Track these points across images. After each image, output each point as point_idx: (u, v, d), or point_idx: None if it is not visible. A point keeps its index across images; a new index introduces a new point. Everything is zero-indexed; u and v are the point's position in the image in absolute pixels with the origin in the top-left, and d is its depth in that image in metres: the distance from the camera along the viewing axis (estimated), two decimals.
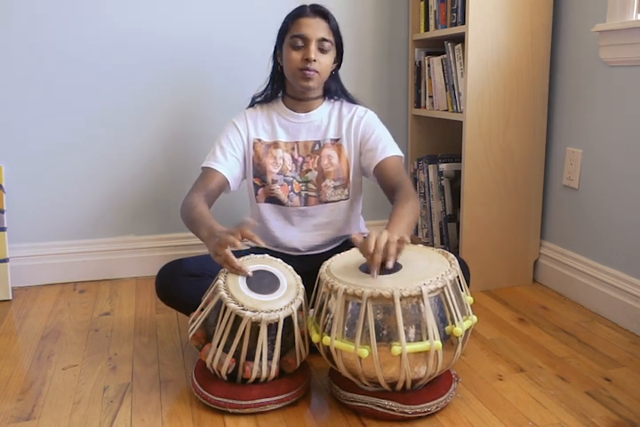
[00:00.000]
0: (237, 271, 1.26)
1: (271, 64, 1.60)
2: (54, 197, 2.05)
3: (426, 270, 1.19)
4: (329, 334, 1.18)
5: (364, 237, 1.21)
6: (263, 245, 1.28)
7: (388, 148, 1.55)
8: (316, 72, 1.49)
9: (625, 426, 1.20)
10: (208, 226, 1.31)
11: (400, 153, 1.57)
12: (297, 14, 1.50)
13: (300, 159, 1.58)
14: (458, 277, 1.22)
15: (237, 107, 1.67)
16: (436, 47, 2.09)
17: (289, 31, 1.50)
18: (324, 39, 1.48)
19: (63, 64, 1.96)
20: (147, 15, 1.99)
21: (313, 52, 1.47)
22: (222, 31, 2.06)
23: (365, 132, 1.58)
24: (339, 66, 1.59)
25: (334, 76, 1.59)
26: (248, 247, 1.62)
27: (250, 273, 1.27)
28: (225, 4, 2.04)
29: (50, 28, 1.92)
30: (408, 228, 1.33)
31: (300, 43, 1.47)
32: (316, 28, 1.47)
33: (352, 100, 1.63)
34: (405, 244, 1.20)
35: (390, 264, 1.16)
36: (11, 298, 1.94)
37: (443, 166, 2.03)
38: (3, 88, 1.94)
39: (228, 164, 1.53)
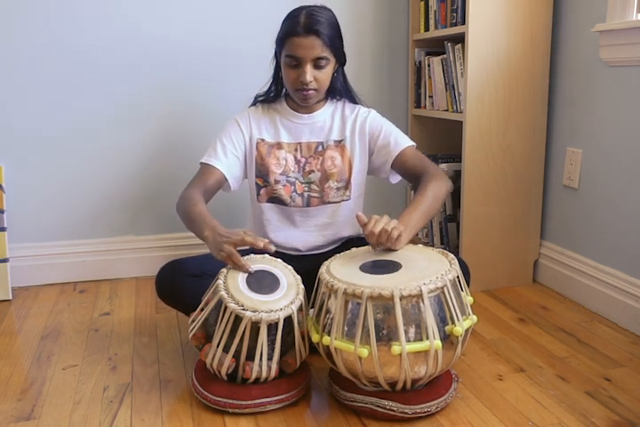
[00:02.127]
0: (240, 268, 1.26)
1: (273, 64, 1.59)
2: (54, 197, 2.05)
3: (426, 270, 1.19)
4: (329, 334, 1.18)
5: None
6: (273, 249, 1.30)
7: (400, 140, 1.56)
8: (314, 90, 1.48)
9: (625, 426, 1.20)
10: (211, 226, 1.31)
11: (412, 143, 1.57)
12: (290, 32, 1.43)
13: (303, 160, 1.57)
14: (458, 276, 1.22)
15: (238, 106, 1.68)
16: (436, 47, 2.09)
17: (284, 48, 1.46)
18: (319, 57, 1.44)
19: (64, 65, 1.96)
20: (147, 15, 1.99)
21: (308, 74, 1.44)
22: (221, 31, 2.05)
23: (373, 130, 1.57)
24: (343, 64, 1.56)
25: (337, 75, 1.56)
26: (247, 247, 1.62)
27: (252, 270, 1.27)
28: (225, 4, 2.04)
29: (51, 28, 1.92)
30: (424, 213, 1.38)
31: (294, 62, 1.45)
32: (309, 49, 1.42)
33: (354, 100, 1.62)
34: (406, 239, 1.27)
35: (380, 247, 1.23)
36: (11, 298, 1.94)
37: (443, 166, 2.03)
38: (3, 88, 1.94)
39: (228, 162, 1.53)
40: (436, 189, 1.43)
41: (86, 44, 1.96)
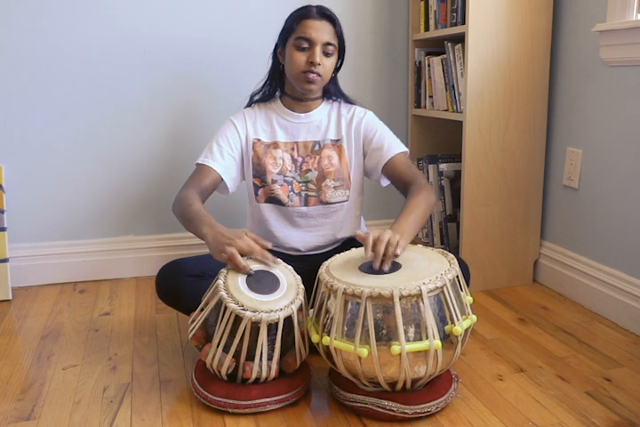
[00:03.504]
0: (241, 270, 1.26)
1: (270, 61, 1.60)
2: (54, 197, 2.05)
3: (425, 270, 1.19)
4: (328, 334, 1.18)
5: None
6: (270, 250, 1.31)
7: (393, 145, 1.56)
8: (319, 76, 1.49)
9: (625, 426, 1.20)
10: (209, 224, 1.31)
11: (405, 149, 1.58)
12: (303, 15, 1.48)
13: (300, 159, 1.58)
14: (457, 276, 1.22)
15: (237, 107, 1.67)
16: (436, 47, 2.09)
17: (294, 32, 1.48)
18: (329, 43, 1.47)
19: (63, 64, 1.96)
20: (147, 15, 1.99)
21: (318, 55, 1.46)
22: (222, 31, 2.06)
23: (368, 132, 1.58)
24: (338, 69, 1.59)
25: (333, 78, 1.59)
26: None
27: (252, 271, 1.27)
28: (225, 3, 2.04)
29: (50, 27, 1.92)
30: (417, 220, 1.35)
31: (305, 44, 1.46)
32: (322, 32, 1.46)
33: (349, 101, 1.63)
34: (403, 247, 1.24)
35: (386, 266, 1.20)
36: (11, 298, 1.94)
37: (443, 166, 2.03)
38: (3, 88, 1.94)
39: (225, 162, 1.53)
40: (428, 200, 1.42)
41: (86, 44, 1.96)
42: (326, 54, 1.48)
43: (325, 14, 1.48)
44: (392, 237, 1.23)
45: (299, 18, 1.48)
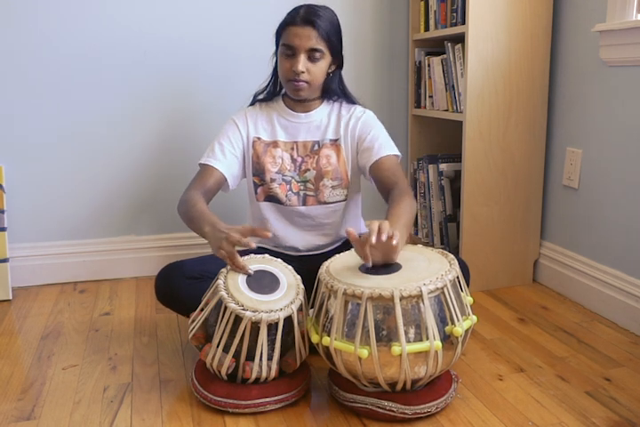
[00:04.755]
0: (239, 269, 1.26)
1: (273, 60, 1.59)
2: (54, 197, 2.05)
3: (425, 271, 1.19)
4: (328, 335, 1.18)
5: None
6: (254, 246, 1.26)
7: (383, 147, 1.54)
8: (306, 82, 1.48)
9: (625, 426, 1.20)
10: (211, 222, 1.31)
11: (396, 152, 1.55)
12: (288, 21, 1.47)
13: (299, 159, 1.58)
14: (457, 277, 1.22)
15: (239, 106, 1.68)
16: (436, 47, 2.09)
17: (281, 38, 1.49)
18: (313, 49, 1.45)
19: (63, 64, 1.96)
20: (147, 16, 1.99)
21: (301, 63, 1.45)
22: (222, 32, 2.06)
23: (362, 132, 1.57)
24: (340, 66, 1.57)
25: (333, 76, 1.57)
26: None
27: (251, 271, 1.27)
28: (225, 5, 2.04)
29: (50, 28, 1.92)
30: (405, 227, 1.31)
31: (289, 51, 1.46)
32: (304, 39, 1.44)
33: (352, 101, 1.62)
34: (398, 239, 1.18)
35: (384, 237, 1.13)
36: (11, 298, 1.94)
37: (443, 166, 2.03)
38: (3, 88, 1.94)
39: (227, 162, 1.53)
40: (412, 208, 1.38)
41: (86, 44, 1.96)
42: (313, 60, 1.46)
43: (309, 20, 1.43)
44: (390, 228, 1.16)
45: (284, 24, 1.48)
